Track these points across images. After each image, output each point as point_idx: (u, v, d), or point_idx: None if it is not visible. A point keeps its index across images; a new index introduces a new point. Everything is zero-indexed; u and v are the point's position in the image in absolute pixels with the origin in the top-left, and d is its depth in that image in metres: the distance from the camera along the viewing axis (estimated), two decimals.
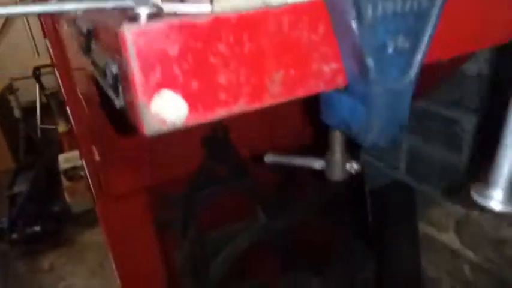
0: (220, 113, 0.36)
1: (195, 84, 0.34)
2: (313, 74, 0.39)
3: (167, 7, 0.40)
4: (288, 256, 1.63)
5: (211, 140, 1.35)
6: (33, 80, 3.83)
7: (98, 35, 0.40)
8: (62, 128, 3.55)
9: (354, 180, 1.66)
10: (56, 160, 3.22)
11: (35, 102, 4.04)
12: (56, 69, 1.52)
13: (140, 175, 1.28)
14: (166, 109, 0.33)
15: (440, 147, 1.35)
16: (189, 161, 1.35)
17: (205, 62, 0.33)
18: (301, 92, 0.39)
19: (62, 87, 1.43)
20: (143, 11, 0.31)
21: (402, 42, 0.37)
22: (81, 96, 1.24)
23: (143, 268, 1.40)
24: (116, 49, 0.33)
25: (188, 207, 1.37)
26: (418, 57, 0.39)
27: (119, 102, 0.35)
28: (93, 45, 0.42)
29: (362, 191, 1.67)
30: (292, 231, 1.57)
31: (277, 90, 0.38)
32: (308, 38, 0.37)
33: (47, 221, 2.73)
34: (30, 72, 3.78)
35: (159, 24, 0.31)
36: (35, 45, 4.36)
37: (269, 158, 0.75)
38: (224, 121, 1.33)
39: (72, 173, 3.14)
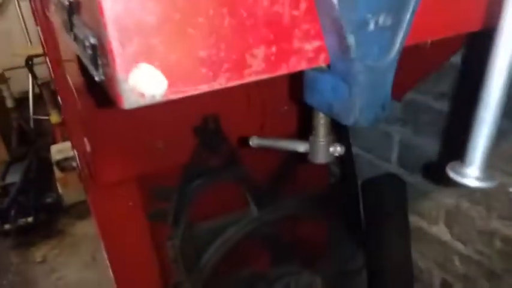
0: (200, 88, 0.36)
1: (173, 57, 0.33)
2: (295, 51, 0.39)
3: None
4: (280, 248, 1.63)
5: (203, 129, 1.35)
6: (25, 70, 3.79)
7: (78, 7, 0.39)
8: (54, 118, 3.53)
9: (346, 173, 1.67)
10: (48, 151, 3.20)
11: (27, 92, 4.01)
12: (47, 58, 1.51)
13: (131, 165, 1.27)
14: (145, 82, 0.33)
15: (431, 139, 1.35)
16: (181, 151, 1.35)
17: (184, 35, 0.33)
18: (283, 69, 0.39)
19: (53, 77, 1.42)
20: None
21: (384, 19, 0.37)
22: (72, 86, 1.23)
23: (135, 257, 1.40)
24: (94, 19, 0.32)
25: (180, 198, 1.37)
26: (400, 36, 0.39)
27: (98, 76, 0.35)
28: (75, 20, 0.41)
29: (354, 184, 1.68)
30: (284, 223, 1.58)
31: (258, 67, 0.38)
32: (289, 14, 0.37)
33: (40, 212, 2.72)
34: (22, 62, 3.74)
35: None
36: (28, 34, 4.31)
37: (254, 141, 0.75)
38: (215, 110, 1.33)
39: (65, 164, 3.12)
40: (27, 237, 2.68)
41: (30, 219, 2.65)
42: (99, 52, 0.34)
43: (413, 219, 1.54)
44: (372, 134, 1.60)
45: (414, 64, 1.20)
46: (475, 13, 0.44)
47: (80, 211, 2.86)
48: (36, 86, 3.93)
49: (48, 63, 1.52)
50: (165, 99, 0.34)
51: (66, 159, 3.13)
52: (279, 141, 0.70)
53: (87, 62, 0.37)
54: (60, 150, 3.16)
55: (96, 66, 0.35)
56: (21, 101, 4.12)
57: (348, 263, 1.68)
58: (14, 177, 2.95)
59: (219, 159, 1.39)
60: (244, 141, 0.82)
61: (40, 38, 1.59)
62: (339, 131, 1.56)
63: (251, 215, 1.45)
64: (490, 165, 1.15)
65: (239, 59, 0.36)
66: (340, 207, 1.66)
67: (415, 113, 1.40)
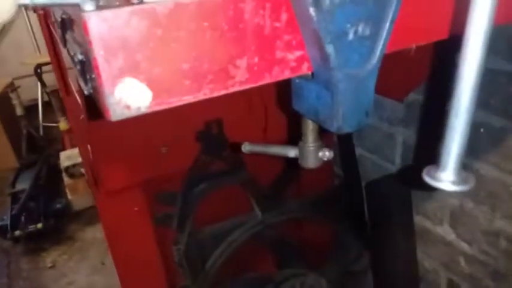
0: (185, 99, 0.37)
1: (157, 71, 0.35)
2: (278, 61, 0.40)
3: None
4: (285, 250, 1.64)
5: (206, 134, 1.37)
6: (34, 78, 3.85)
7: (71, 24, 0.41)
8: (63, 125, 3.58)
9: (350, 174, 1.67)
10: (57, 158, 3.25)
11: (36, 100, 4.07)
12: (52, 67, 1.54)
13: (135, 171, 1.29)
14: (130, 95, 0.35)
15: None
16: (185, 156, 1.36)
17: (166, 49, 0.35)
18: (266, 79, 0.40)
19: (58, 85, 1.45)
20: (88, 7, 0.32)
21: (363, 29, 0.38)
22: (75, 93, 1.25)
23: (141, 261, 1.42)
24: (82, 36, 0.34)
25: (184, 203, 1.39)
26: (380, 44, 0.40)
27: (87, 90, 0.37)
28: (68, 36, 0.43)
29: (358, 185, 1.68)
30: (288, 226, 1.58)
31: (242, 77, 0.39)
32: (271, 26, 0.38)
33: (49, 219, 2.75)
34: (31, 70, 3.81)
35: (120, 11, 0.32)
36: (36, 43, 4.38)
37: (246, 148, 0.76)
38: (218, 116, 1.35)
39: (74, 170, 3.17)
40: (37, 243, 2.71)
41: (40, 225, 2.69)
42: (87, 67, 0.36)
43: (418, 220, 1.54)
44: (375, 135, 1.60)
45: (416, 66, 1.21)
46: (446, 22, 0.45)
47: (88, 217, 2.90)
48: (45, 94, 3.99)
49: (54, 72, 1.55)
50: (150, 110, 0.36)
51: (74, 165, 3.18)
52: (270, 147, 0.72)
53: (77, 75, 0.39)
54: (68, 156, 3.21)
55: (85, 81, 0.36)
56: (30, 108, 4.18)
57: (353, 265, 1.68)
58: (23, 184, 2.99)
59: (223, 163, 1.40)
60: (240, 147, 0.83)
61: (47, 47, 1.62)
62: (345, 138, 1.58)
63: (255, 219, 1.46)
64: (493, 164, 1.14)
65: (222, 70, 0.38)
66: (344, 208, 1.67)
67: (418, 114, 1.40)
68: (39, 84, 3.92)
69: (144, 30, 0.33)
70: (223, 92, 0.39)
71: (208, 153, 1.38)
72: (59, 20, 0.44)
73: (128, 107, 0.35)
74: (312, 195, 1.57)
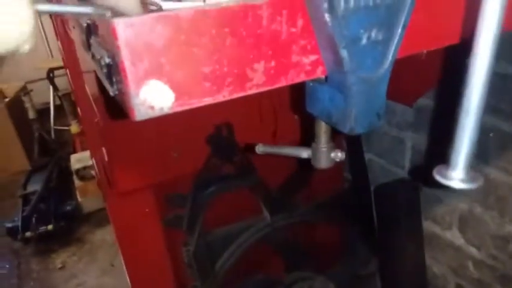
0: (205, 100, 0.39)
1: (180, 74, 0.37)
2: (294, 65, 0.42)
3: (166, 5, 0.44)
4: (293, 253, 1.65)
5: (216, 138, 1.39)
6: (47, 82, 3.91)
7: (95, 29, 0.43)
8: (74, 128, 3.63)
9: (359, 178, 1.68)
10: (68, 160, 3.29)
11: (48, 103, 4.12)
12: (67, 71, 1.57)
13: (147, 173, 1.31)
14: (154, 97, 0.37)
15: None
16: (196, 159, 1.38)
17: (189, 53, 0.37)
18: (282, 82, 0.42)
19: (73, 89, 1.48)
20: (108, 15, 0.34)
21: (376, 34, 0.40)
22: (90, 98, 1.28)
23: (151, 262, 1.44)
24: (109, 41, 0.36)
25: (194, 205, 1.41)
26: (392, 49, 0.42)
27: (112, 91, 0.39)
28: (92, 40, 0.45)
29: (366, 189, 1.69)
30: (297, 229, 1.59)
31: (259, 80, 0.41)
32: (287, 32, 0.40)
33: (60, 220, 2.79)
34: (44, 74, 3.87)
35: (146, 17, 0.34)
36: (49, 47, 4.44)
37: (260, 149, 0.78)
38: (228, 119, 1.37)
39: (84, 173, 3.21)
40: (47, 245, 2.75)
41: (50, 226, 2.72)
42: (113, 70, 0.38)
43: (427, 225, 1.54)
44: (385, 139, 1.61)
45: (426, 71, 1.22)
46: (457, 27, 0.47)
47: (98, 219, 2.93)
48: (57, 98, 4.04)
49: (68, 75, 1.58)
50: (172, 111, 0.38)
51: (85, 168, 3.22)
52: (284, 148, 0.73)
53: (103, 78, 0.41)
54: (79, 159, 3.25)
55: (111, 83, 0.38)
56: (42, 112, 4.24)
57: (361, 268, 1.68)
58: (35, 186, 3.03)
59: (232, 166, 1.42)
60: (254, 149, 0.85)
61: (60, 52, 1.65)
62: (351, 137, 1.59)
63: (264, 221, 1.48)
64: (502, 168, 1.14)
65: (241, 74, 0.40)
66: (353, 212, 1.67)
67: (427, 119, 1.41)
68: (51, 88, 3.98)
69: (168, 35, 0.35)
70: (241, 94, 0.41)
71: (218, 156, 1.40)
72: (84, 25, 0.46)
73: (152, 108, 0.36)
74: (321, 198, 1.59)
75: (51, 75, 3.88)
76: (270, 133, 1.41)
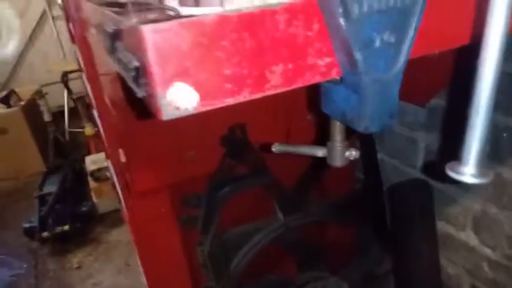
0: (227, 101, 0.41)
1: (203, 76, 0.39)
2: (310, 67, 0.44)
3: (185, 11, 0.46)
4: (306, 253, 1.66)
5: (230, 138, 1.41)
6: (61, 85, 3.99)
7: (122, 35, 0.46)
8: (88, 131, 3.69)
9: (371, 178, 1.69)
10: (83, 162, 3.35)
11: (63, 106, 4.20)
12: (83, 74, 1.61)
13: (164, 174, 1.34)
14: (180, 98, 0.39)
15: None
16: (211, 160, 1.41)
17: (211, 56, 0.39)
18: (299, 83, 0.44)
19: (89, 92, 1.52)
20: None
21: (388, 36, 0.42)
22: (108, 100, 1.31)
23: (167, 261, 1.46)
24: (137, 45, 0.39)
25: (209, 205, 1.43)
26: (405, 50, 0.44)
27: (140, 93, 0.41)
28: (118, 45, 0.48)
29: (379, 189, 1.69)
30: (310, 229, 1.60)
31: (277, 81, 0.43)
32: (304, 35, 0.42)
33: (75, 221, 2.84)
34: (58, 78, 3.94)
35: (172, 23, 0.37)
36: (63, 51, 4.53)
37: (276, 148, 0.80)
38: (242, 120, 1.39)
39: (99, 174, 3.26)
40: (64, 245, 2.80)
41: (66, 227, 2.77)
42: (141, 73, 0.40)
43: (441, 225, 1.54)
44: (397, 140, 1.62)
45: (438, 71, 1.22)
46: (467, 28, 0.48)
47: (113, 219, 2.97)
48: (71, 100, 4.12)
49: (85, 78, 1.62)
50: (197, 111, 0.40)
51: (100, 169, 3.27)
52: (300, 147, 0.75)
53: (129, 81, 0.43)
54: (94, 161, 3.31)
55: (138, 85, 0.41)
56: (57, 114, 4.31)
57: (374, 268, 1.69)
58: (50, 187, 3.08)
59: (246, 167, 1.44)
60: (269, 148, 0.87)
61: (76, 56, 1.69)
62: (364, 137, 1.60)
63: (278, 221, 1.49)
64: None
65: (260, 76, 0.42)
66: (366, 212, 1.68)
67: (440, 119, 1.41)
68: (65, 91, 4.06)
69: (192, 40, 0.38)
70: (260, 95, 0.43)
71: (232, 157, 1.43)
72: (110, 31, 0.49)
73: (178, 108, 0.39)
74: (334, 198, 1.60)
75: (65, 78, 3.95)
76: (284, 133, 1.43)
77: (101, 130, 1.50)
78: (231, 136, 1.39)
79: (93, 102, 1.48)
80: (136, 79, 0.41)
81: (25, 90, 4.19)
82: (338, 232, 1.68)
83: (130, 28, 0.41)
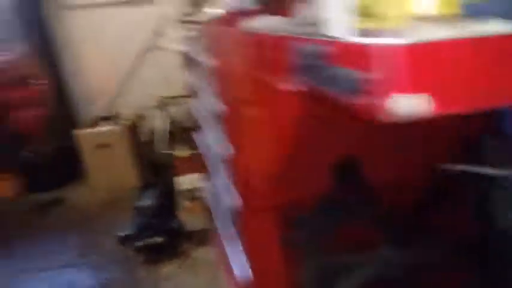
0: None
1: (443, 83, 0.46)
2: None
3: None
4: None
5: (341, 168, 1.44)
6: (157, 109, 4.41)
7: (337, 56, 0.54)
8: (180, 153, 3.96)
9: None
10: (174, 181, 3.59)
11: (159, 129, 4.57)
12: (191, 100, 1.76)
13: (277, 192, 1.41)
14: (402, 105, 0.46)
15: None
16: (320, 183, 1.45)
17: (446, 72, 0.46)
18: None
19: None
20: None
21: None
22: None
23: (271, 281, 1.51)
24: (363, 62, 0.46)
25: (316, 229, 1.46)
26: None
27: (358, 101, 0.49)
28: (324, 65, 0.56)
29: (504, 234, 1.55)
30: (419, 270, 1.52)
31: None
32: None
33: (167, 235, 3.01)
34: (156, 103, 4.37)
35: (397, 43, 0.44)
36: (164, 78, 4.90)
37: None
38: (359, 151, 1.42)
39: (190, 194, 3.47)
40: (155, 255, 2.98)
41: (159, 239, 2.96)
42: (362, 84, 0.48)
43: None
44: None
45: None
46: None
47: (200, 237, 3.11)
48: (167, 123, 4.48)
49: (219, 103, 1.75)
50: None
51: (190, 190, 3.49)
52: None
53: (341, 91, 0.51)
54: (186, 181, 3.54)
55: (357, 94, 0.49)
56: (153, 136, 4.68)
57: None
58: (146, 201, 3.31)
59: (356, 197, 1.45)
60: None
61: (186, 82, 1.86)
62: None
63: (384, 256, 1.47)
64: None
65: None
66: (483, 259, 1.55)
67: None
68: (162, 115, 4.45)
69: (416, 58, 0.45)
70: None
71: (343, 184, 1.45)
72: (307, 53, 0.57)
73: (399, 115, 0.46)
74: (449, 240, 1.49)
75: (163, 104, 4.37)
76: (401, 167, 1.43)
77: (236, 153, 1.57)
78: (344, 165, 1.42)
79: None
80: (355, 90, 0.48)
81: (128, 112, 4.64)
82: (454, 277, 1.55)
83: (351, 46, 0.49)
